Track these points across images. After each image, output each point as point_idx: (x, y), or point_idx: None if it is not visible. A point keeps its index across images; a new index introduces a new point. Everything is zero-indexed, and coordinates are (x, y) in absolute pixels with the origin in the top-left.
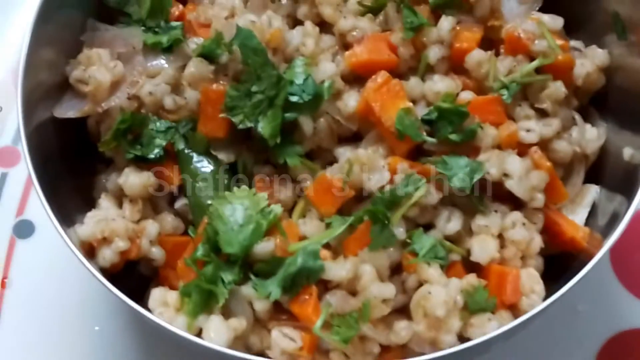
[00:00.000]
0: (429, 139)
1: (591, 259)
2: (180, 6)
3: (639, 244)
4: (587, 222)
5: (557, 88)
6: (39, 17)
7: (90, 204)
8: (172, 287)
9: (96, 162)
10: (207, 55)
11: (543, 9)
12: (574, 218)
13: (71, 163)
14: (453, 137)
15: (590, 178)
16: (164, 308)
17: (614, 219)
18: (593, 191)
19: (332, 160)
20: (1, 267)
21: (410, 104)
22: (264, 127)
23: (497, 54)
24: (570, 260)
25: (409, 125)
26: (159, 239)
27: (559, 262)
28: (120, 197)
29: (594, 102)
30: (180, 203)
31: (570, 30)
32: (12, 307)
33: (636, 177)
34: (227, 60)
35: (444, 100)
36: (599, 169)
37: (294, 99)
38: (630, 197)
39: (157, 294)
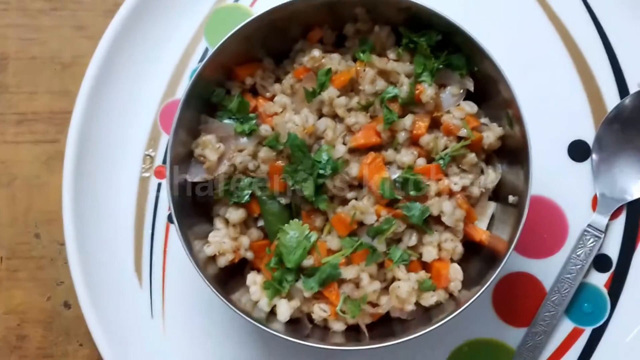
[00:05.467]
0: (398, 196)
1: (494, 252)
2: (254, 101)
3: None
4: (489, 227)
5: (472, 158)
6: (179, 116)
7: (209, 219)
8: (259, 270)
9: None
10: (271, 145)
11: (467, 98)
12: (480, 225)
13: (197, 197)
14: (412, 193)
15: (490, 197)
16: (255, 286)
17: (507, 225)
18: (492, 206)
19: (345, 198)
20: (162, 246)
21: (388, 175)
22: (305, 190)
23: (438, 128)
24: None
25: (387, 189)
26: (250, 245)
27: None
28: (227, 219)
29: (495, 152)
30: (260, 223)
31: (481, 104)
32: (173, 275)
33: (522, 201)
34: (283, 147)
35: (406, 172)
36: (497, 192)
37: (321, 171)
38: (520, 211)
39: (251, 277)
